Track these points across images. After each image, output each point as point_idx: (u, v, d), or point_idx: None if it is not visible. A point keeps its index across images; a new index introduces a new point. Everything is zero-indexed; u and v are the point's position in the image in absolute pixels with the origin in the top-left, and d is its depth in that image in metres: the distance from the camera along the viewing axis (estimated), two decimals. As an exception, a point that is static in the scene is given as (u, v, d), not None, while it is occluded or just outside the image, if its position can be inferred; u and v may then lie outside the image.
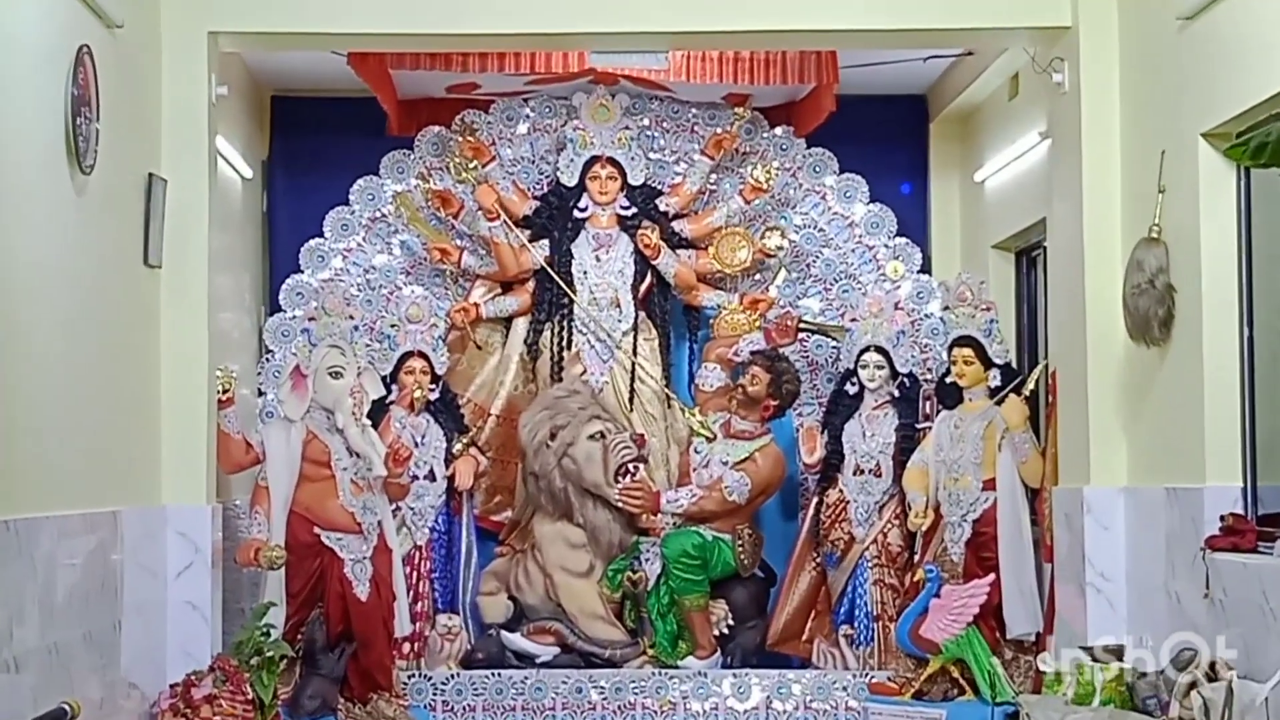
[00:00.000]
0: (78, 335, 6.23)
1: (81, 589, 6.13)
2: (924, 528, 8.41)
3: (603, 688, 8.54)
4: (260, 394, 9.08)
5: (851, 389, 8.90)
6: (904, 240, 9.53)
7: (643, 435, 8.98)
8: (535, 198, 9.47)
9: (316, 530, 7.86)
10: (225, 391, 7.78)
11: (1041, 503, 8.03)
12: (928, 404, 8.84)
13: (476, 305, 9.34)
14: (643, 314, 9.36)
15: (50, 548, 5.75)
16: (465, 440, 8.92)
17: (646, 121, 9.54)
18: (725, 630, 8.88)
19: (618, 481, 8.79)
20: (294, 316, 9.11)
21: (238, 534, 8.22)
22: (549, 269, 9.24)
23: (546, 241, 9.33)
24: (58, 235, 6.01)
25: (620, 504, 8.82)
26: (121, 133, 6.71)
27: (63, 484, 6.01)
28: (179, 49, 7.48)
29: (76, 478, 6.19)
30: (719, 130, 9.42)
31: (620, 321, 9.27)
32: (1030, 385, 8.21)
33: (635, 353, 9.27)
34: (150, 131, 7.36)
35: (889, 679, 8.34)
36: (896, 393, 8.87)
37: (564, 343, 9.28)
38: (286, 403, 7.98)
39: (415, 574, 8.70)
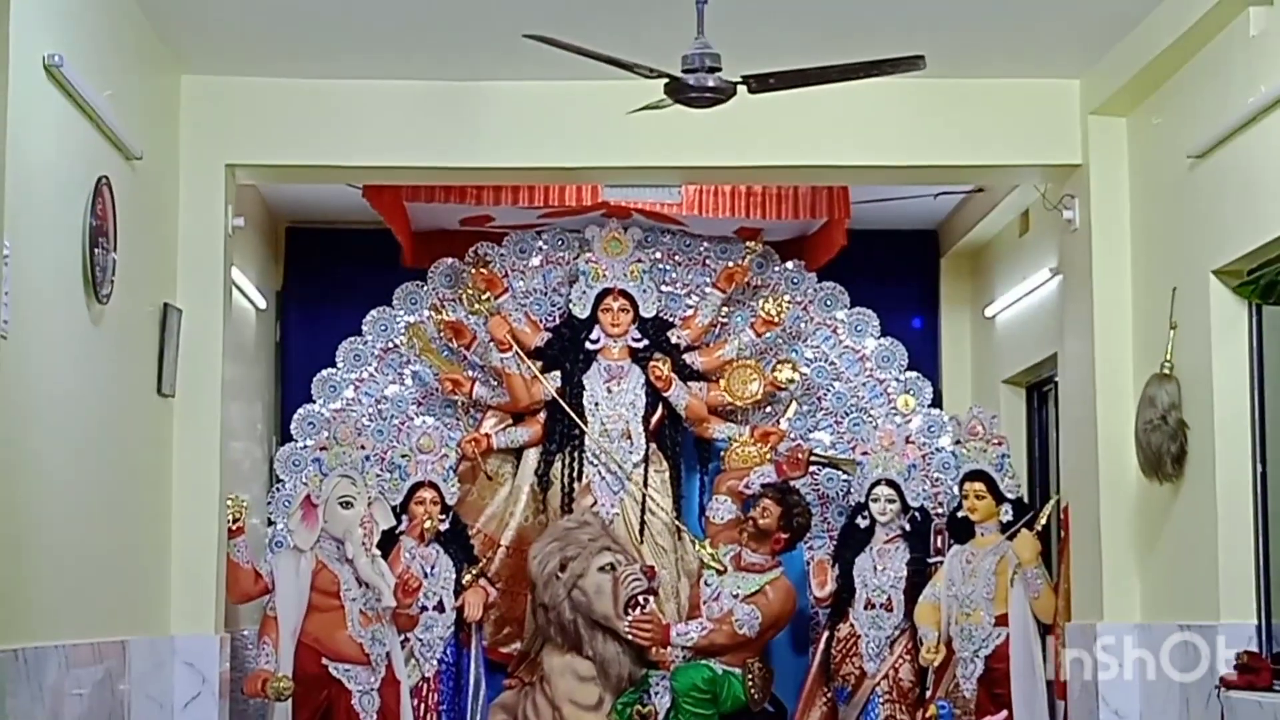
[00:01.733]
0: (90, 463, 6.22)
1: (89, 719, 6.07)
2: (936, 663, 8.34)
3: (611, 824, 8.46)
4: (270, 523, 9.06)
5: (863, 522, 8.87)
6: (915, 374, 9.55)
7: (653, 567, 8.94)
8: (547, 329, 9.50)
9: (324, 661, 7.81)
10: (236, 521, 7.77)
11: (1054, 638, 7.96)
12: (939, 538, 8.80)
13: (488, 436, 9.33)
14: (653, 446, 9.35)
15: (58, 677, 5.70)
16: (475, 571, 8.88)
17: (659, 254, 9.59)
18: (735, 766, 8.80)
19: (628, 614, 8.73)
20: (305, 446, 9.11)
21: (245, 664, 8.17)
22: (560, 400, 9.25)
23: (558, 373, 9.34)
24: (73, 364, 6.02)
25: (630, 636, 8.75)
26: (138, 263, 6.75)
27: (72, 613, 5.97)
28: (196, 181, 7.54)
29: (86, 606, 6.15)
30: (731, 264, 9.47)
31: (631, 453, 9.26)
32: (1042, 520, 8.18)
33: (646, 484, 9.25)
34: (167, 262, 7.40)
35: (901, 817, 8.24)
36: (908, 526, 8.84)
37: (575, 474, 9.27)
38: (296, 532, 7.96)
39: (423, 706, 8.62)
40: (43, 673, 5.52)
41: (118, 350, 6.57)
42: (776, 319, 9.32)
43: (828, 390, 9.57)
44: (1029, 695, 8.00)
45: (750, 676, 8.77)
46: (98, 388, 6.33)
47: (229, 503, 7.71)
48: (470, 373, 9.43)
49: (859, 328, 9.59)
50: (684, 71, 5.87)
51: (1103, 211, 7.45)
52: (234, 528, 7.76)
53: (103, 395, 6.40)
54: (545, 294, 9.61)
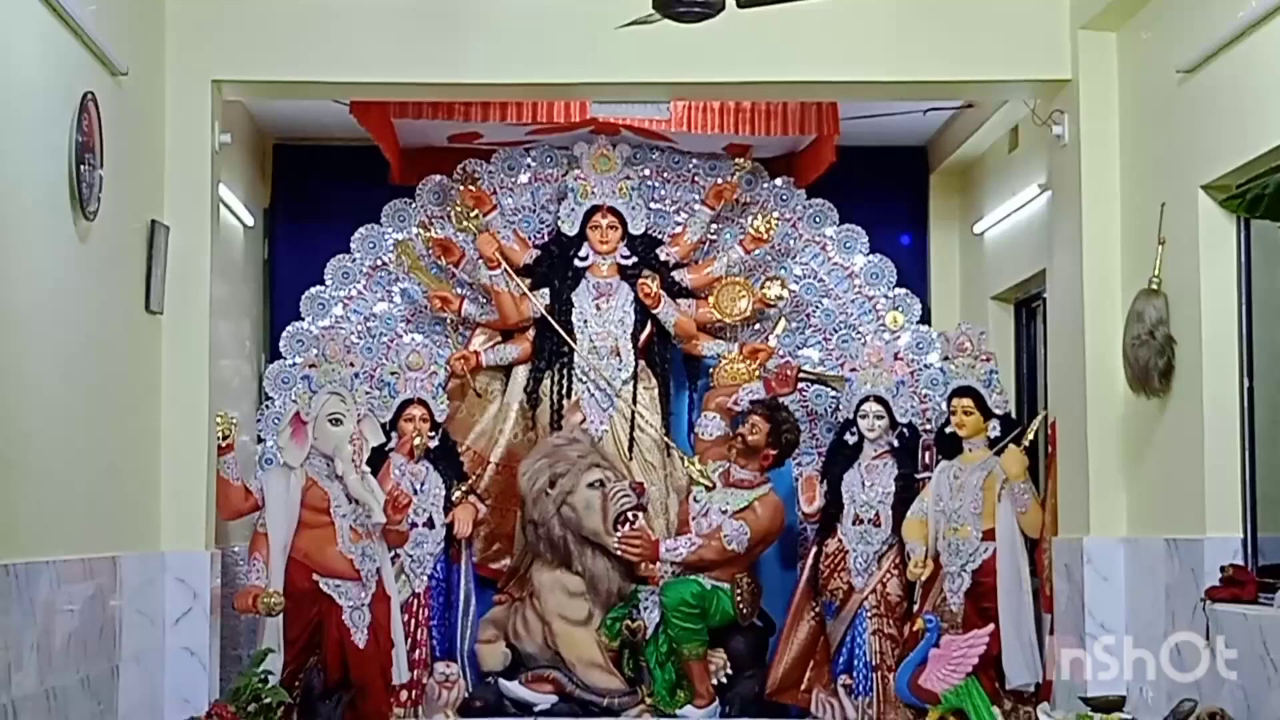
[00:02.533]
0: (79, 381, 6.22)
1: (80, 634, 6.11)
2: (923, 578, 8.38)
3: (601, 737, 8.53)
4: (260, 441, 9.07)
5: (851, 439, 8.89)
6: (904, 291, 9.54)
7: (642, 484, 8.97)
8: (536, 247, 9.49)
9: (315, 577, 7.84)
10: (225, 438, 7.77)
11: (1041, 553, 8.00)
12: (927, 454, 8.83)
13: (477, 353, 9.34)
14: (642, 363, 9.36)
15: (49, 593, 5.73)
16: (464, 488, 8.91)
17: (647, 171, 9.57)
18: (724, 679, 8.86)
19: (617, 530, 8.77)
20: (294, 364, 9.11)
21: (236, 580, 8.20)
22: (549, 318, 9.25)
23: (547, 290, 9.34)
24: (60, 281, 6.01)
25: (619, 552, 8.80)
26: (124, 179, 6.72)
27: (62, 529, 5.99)
28: (183, 97, 7.50)
29: (76, 523, 6.17)
30: (720, 181, 9.45)
31: (620, 370, 9.27)
32: (1030, 436, 8.20)
33: (635, 401, 9.27)
34: (153, 178, 7.37)
35: (888, 730, 8.31)
36: (896, 443, 8.86)
37: (564, 391, 9.28)
38: (286, 449, 7.97)
39: (413, 621, 8.67)
40: (34, 588, 5.55)
41: (105, 267, 6.56)
42: (765, 236, 9.30)
43: (816, 307, 9.57)
44: (1016, 609, 8.05)
45: (739, 591, 8.82)
46: (85, 305, 6.33)
47: (218, 420, 7.71)
48: (459, 290, 9.41)
49: (848, 244, 9.58)
50: (672, -15, 5.83)
51: (1092, 127, 7.43)
52: (223, 445, 7.76)
53: (90, 312, 6.39)
54: (534, 211, 9.59)
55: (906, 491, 8.70)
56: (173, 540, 7.40)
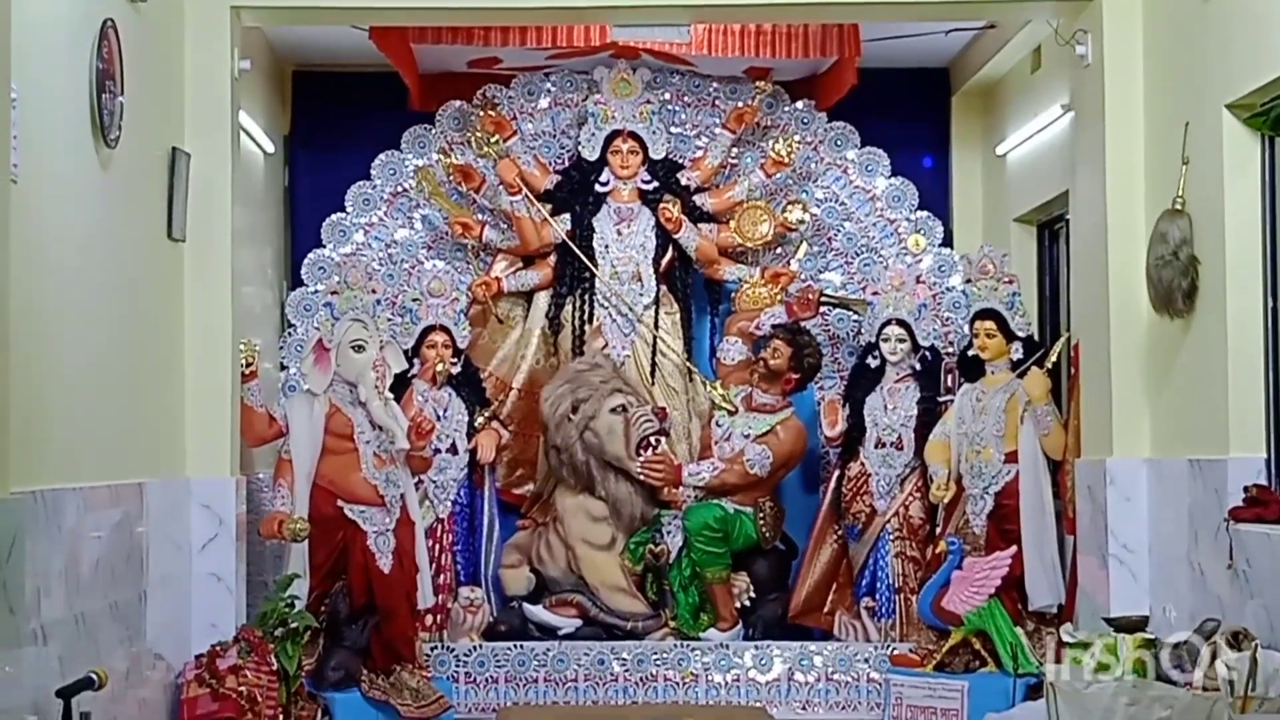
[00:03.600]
0: (102, 308, 6.25)
1: (107, 561, 6.15)
2: (945, 500, 8.41)
3: (625, 660, 8.55)
4: (283, 368, 9.09)
5: (873, 362, 8.89)
6: (925, 214, 9.52)
7: (664, 409, 8.99)
8: (556, 172, 9.47)
9: (339, 503, 7.87)
10: (249, 365, 7.80)
11: (1064, 475, 8.03)
12: (949, 377, 8.83)
13: (498, 279, 9.34)
14: (664, 288, 9.36)
15: (76, 519, 5.77)
16: (487, 414, 8.94)
17: (668, 96, 9.54)
18: (747, 603, 8.90)
19: (639, 455, 8.79)
20: (316, 291, 9.11)
21: (261, 507, 8.25)
22: (570, 243, 9.25)
23: (568, 216, 9.33)
24: (82, 209, 6.02)
25: (642, 477, 8.82)
26: (145, 107, 6.72)
27: (88, 456, 6.02)
28: (202, 23, 7.49)
29: (102, 450, 6.20)
30: (740, 104, 9.41)
31: (642, 295, 9.27)
32: (1053, 358, 8.21)
33: (656, 326, 9.27)
34: (174, 106, 7.37)
35: (911, 651, 8.34)
36: (918, 366, 8.86)
37: (585, 317, 9.29)
38: (309, 376, 7.98)
39: (438, 547, 8.71)
40: (61, 514, 5.58)
41: (127, 195, 6.57)
42: (786, 159, 9.27)
43: (838, 231, 9.55)
44: (1038, 531, 8.08)
45: (761, 515, 8.85)
46: (108, 232, 6.34)
47: (241, 347, 7.73)
48: (480, 216, 9.40)
49: (869, 167, 9.55)
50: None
51: (1115, 47, 7.38)
52: (247, 372, 7.79)
53: (113, 239, 6.41)
54: (554, 136, 9.57)
55: (929, 415, 8.71)
56: (198, 467, 7.44)
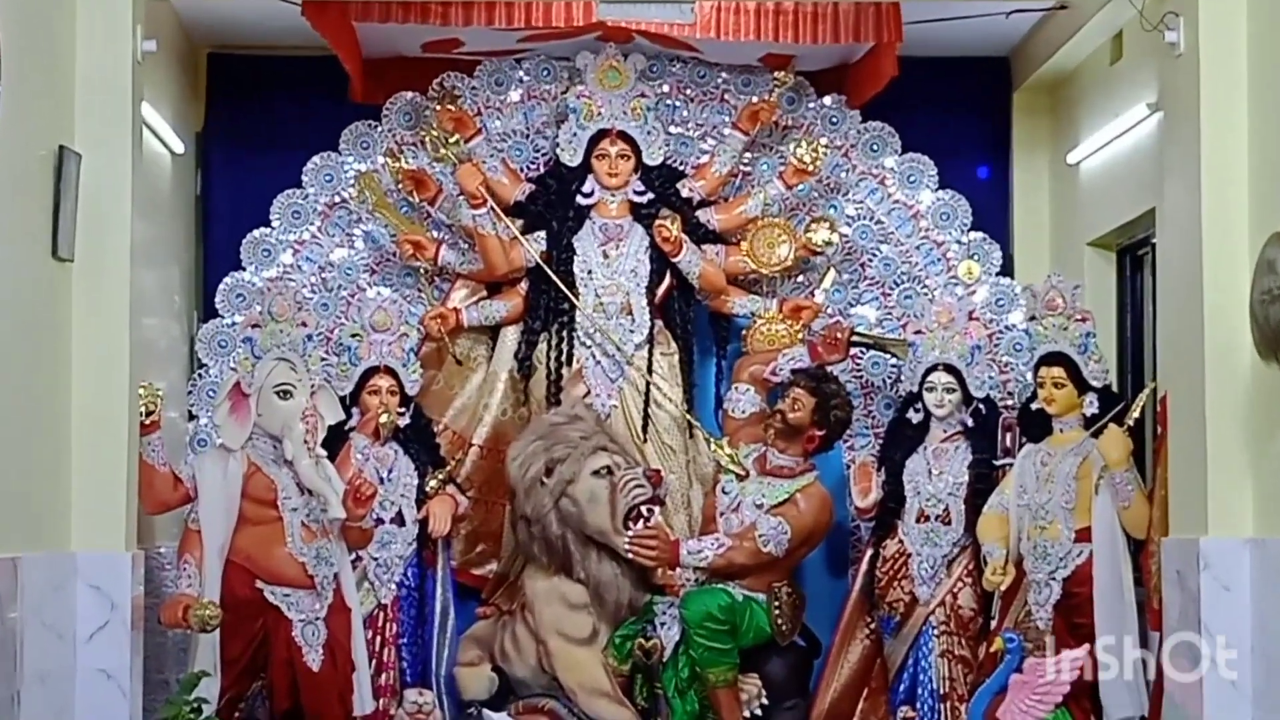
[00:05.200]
0: (-29, 343, 6.24)
1: (-28, 653, 6.13)
2: (1003, 587, 8.40)
3: (608, 781, 8.58)
4: (192, 417, 9.09)
5: (915, 417, 8.91)
6: (980, 235, 9.56)
7: (659, 471, 8.99)
8: (529, 180, 9.51)
9: (259, 584, 7.87)
10: (150, 414, 7.80)
11: (1148, 557, 8.02)
12: (1008, 435, 8.84)
13: (456, 311, 9.36)
14: (660, 323, 9.38)
15: (-65, 601, 5.75)
16: (441, 476, 8.94)
17: (666, 88, 9.59)
18: (758, 711, 8.89)
19: (628, 528, 8.78)
20: (233, 323, 9.13)
21: (163, 588, 8.23)
22: (545, 267, 9.27)
23: (543, 234, 9.36)
24: (-52, 220, 6.03)
25: (630, 555, 8.81)
26: (27, 98, 6.71)
27: (-49, 524, 6.01)
28: (97, -4, 7.52)
29: (-33, 517, 6.19)
30: (755, 99, 9.46)
31: (632, 332, 9.30)
32: (1135, 413, 8.21)
33: (650, 370, 9.29)
34: (62, 97, 7.35)
35: (959, 773, 8.36)
36: (970, 421, 8.88)
37: (564, 358, 9.31)
38: (224, 428, 7.98)
39: (379, 639, 8.71)
40: (-84, 595, 5.57)
41: (3, 204, 6.56)
42: (811, 167, 9.31)
43: (873, 255, 9.58)
44: (1116, 625, 8.06)
45: (777, 604, 8.85)
46: (-21, 250, 6.34)
47: (141, 392, 7.72)
48: (435, 233, 9.43)
49: (912, 178, 9.59)
50: None
51: (1214, 33, 7.39)
52: (147, 422, 7.79)
53: (-15, 259, 6.41)
54: (527, 136, 9.61)
55: (983, 481, 8.72)
56: (86, 538, 7.39)
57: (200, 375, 9.16)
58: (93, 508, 7.42)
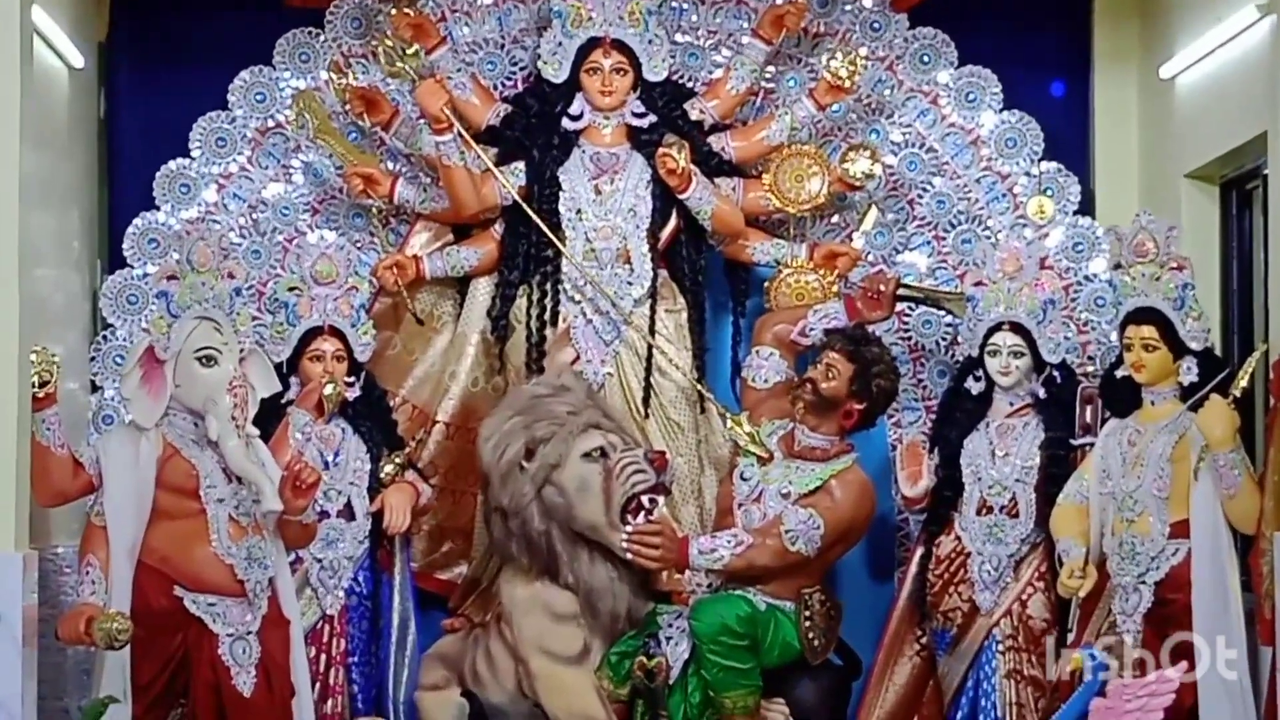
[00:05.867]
0: None
1: None
2: (1082, 593, 8.42)
3: (602, 830, 8.61)
4: (95, 389, 9.10)
5: (975, 387, 8.91)
6: (1055, 166, 9.57)
7: (663, 454, 9.00)
8: (504, 100, 9.52)
9: (178, 591, 7.86)
10: (44, 384, 7.78)
11: (1258, 556, 8.04)
12: (1088, 410, 8.85)
13: (416, 259, 9.38)
14: (664, 274, 9.40)
15: None
16: (399, 460, 8.95)
17: (671, -13, 9.61)
18: (785, 744, 8.94)
19: (625, 522, 8.79)
20: (145, 275, 9.14)
21: (61, 596, 8.23)
22: (524, 206, 9.27)
23: (522, 165, 9.37)
24: None
25: (629, 555, 8.82)
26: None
27: None
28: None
29: None
30: (780, 1, 9.45)
31: (631, 285, 9.31)
32: (1243, 381, 8.20)
33: (653, 331, 9.30)
34: (-68, -1, 7.38)
35: (1030, 819, 8.40)
36: (1042, 392, 8.88)
37: (547, 316, 9.32)
38: (134, 402, 7.97)
39: (324, 658, 8.73)
40: None
41: None
42: (848, 83, 9.31)
43: (924, 190, 9.59)
44: (1220, 638, 8.08)
45: (807, 614, 8.86)
46: None
47: (33, 359, 7.72)
48: (390, 165, 9.44)
49: (971, 96, 9.61)
50: None
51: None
52: (41, 395, 7.77)
53: None
54: (502, 46, 9.64)
55: (1057, 465, 8.73)
56: (-34, 536, 7.45)
57: (105, 338, 9.18)
58: (-26, 499, 7.46)
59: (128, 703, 7.75)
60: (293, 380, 8.80)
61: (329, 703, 8.70)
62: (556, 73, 9.39)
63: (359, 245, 9.39)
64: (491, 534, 9.09)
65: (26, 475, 7.65)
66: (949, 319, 9.35)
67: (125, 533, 7.82)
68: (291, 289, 8.95)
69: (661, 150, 9.24)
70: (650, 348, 9.30)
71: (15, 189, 7.55)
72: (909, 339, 9.53)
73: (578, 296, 9.32)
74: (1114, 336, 8.62)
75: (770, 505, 8.89)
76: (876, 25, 9.60)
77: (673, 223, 9.39)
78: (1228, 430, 8.06)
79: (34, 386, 7.72)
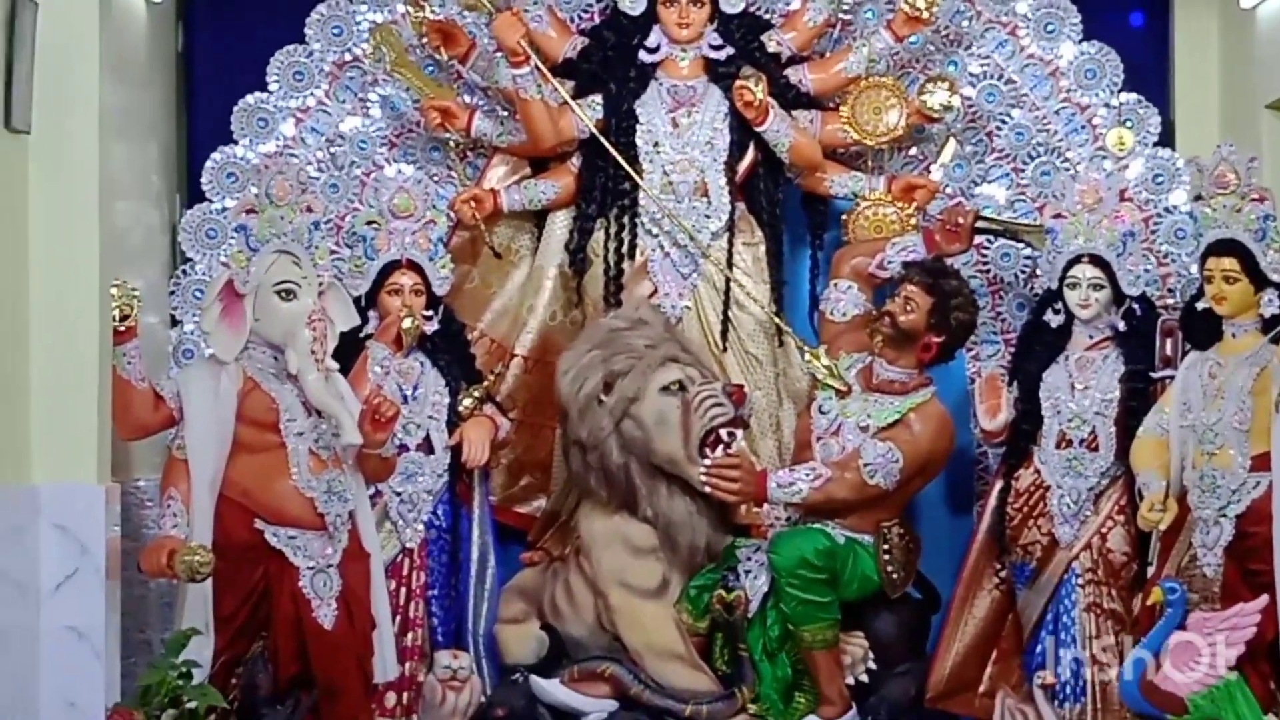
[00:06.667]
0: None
1: (-84, 607, 6.21)
2: (1162, 526, 8.39)
3: (682, 761, 8.65)
4: (175, 323, 9.14)
5: (1054, 319, 8.88)
6: (1134, 97, 9.53)
7: (741, 387, 9.00)
8: (581, 33, 9.51)
9: (259, 524, 7.89)
10: (124, 319, 7.81)
11: (1340, 489, 8.03)
12: (1168, 342, 8.82)
13: (494, 193, 9.39)
14: (742, 206, 9.39)
15: None
16: (478, 393, 8.97)
17: (749, -84, 9.58)
18: (864, 678, 8.93)
19: (704, 455, 8.80)
20: (224, 209, 9.16)
21: (143, 529, 8.28)
22: (602, 139, 9.27)
23: (599, 98, 9.37)
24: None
25: (708, 489, 8.84)
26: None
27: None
28: None
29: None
30: (858, -70, 9.46)
31: (708, 218, 9.31)
32: (1324, 313, 8.20)
33: (730, 264, 9.30)
34: (13, -70, 7.41)
35: (1110, 752, 8.40)
36: (1122, 325, 8.85)
37: (624, 249, 9.33)
38: (214, 336, 7.99)
39: (404, 591, 8.77)
40: None
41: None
42: (926, 14, 9.28)
43: (1002, 122, 9.56)
44: (1301, 572, 8.08)
45: (886, 547, 8.87)
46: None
47: (114, 292, 7.75)
48: (467, 98, 9.44)
49: (1050, 27, 9.57)
50: None
51: None
52: (122, 329, 7.80)
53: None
54: (579, -22, 9.64)
55: (1137, 398, 8.70)
56: (50, 470, 7.48)
57: (184, 272, 9.20)
58: (57, 432, 7.51)
59: (210, 635, 7.79)
60: (371, 314, 8.82)
61: (409, 635, 8.74)
62: (633, 5, 9.38)
63: (436, 179, 9.40)
64: (570, 467, 9.12)
65: (108, 409, 7.70)
66: (1028, 251, 9.33)
67: (206, 466, 7.86)
68: (369, 223, 8.97)
69: (739, 83, 9.22)
70: (728, 281, 9.29)
71: (95, 123, 7.59)
72: (987, 271, 9.51)
73: (655, 230, 9.33)
74: (1194, 269, 8.58)
75: (849, 438, 8.90)
76: (955, -46, 9.60)
77: (750, 155, 9.37)
78: (1310, 362, 8.06)
79: (114, 321, 7.76)
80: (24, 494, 7.35)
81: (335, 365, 8.05)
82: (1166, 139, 9.61)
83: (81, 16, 7.55)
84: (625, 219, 9.34)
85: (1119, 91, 9.52)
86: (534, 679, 8.94)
